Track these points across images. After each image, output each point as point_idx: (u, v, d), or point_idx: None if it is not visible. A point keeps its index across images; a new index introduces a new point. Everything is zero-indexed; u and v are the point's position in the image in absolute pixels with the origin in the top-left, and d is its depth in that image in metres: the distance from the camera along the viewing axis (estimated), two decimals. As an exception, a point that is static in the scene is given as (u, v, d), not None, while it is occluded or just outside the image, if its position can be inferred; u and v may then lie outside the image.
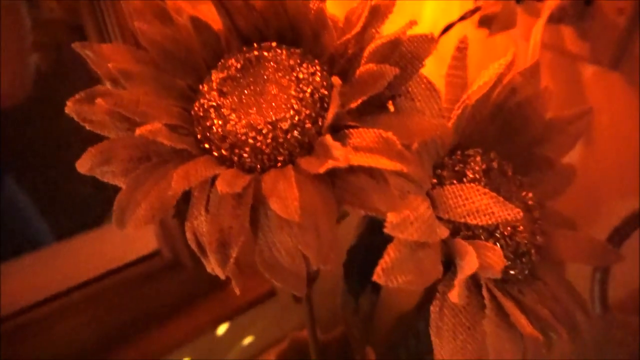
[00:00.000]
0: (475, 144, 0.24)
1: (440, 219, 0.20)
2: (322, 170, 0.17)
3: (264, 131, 0.20)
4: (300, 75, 0.21)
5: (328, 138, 0.18)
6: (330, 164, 0.17)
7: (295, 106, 0.20)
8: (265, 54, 0.22)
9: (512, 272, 0.23)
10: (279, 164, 0.20)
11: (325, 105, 0.20)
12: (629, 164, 0.33)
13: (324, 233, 0.18)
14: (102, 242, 0.47)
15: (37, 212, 0.47)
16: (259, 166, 0.20)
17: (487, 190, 0.20)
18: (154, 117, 0.20)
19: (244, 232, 0.18)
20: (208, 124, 0.21)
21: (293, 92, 0.20)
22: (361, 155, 0.18)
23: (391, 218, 0.17)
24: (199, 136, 0.21)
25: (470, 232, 0.21)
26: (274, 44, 0.22)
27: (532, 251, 0.23)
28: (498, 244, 0.22)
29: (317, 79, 0.21)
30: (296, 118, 0.20)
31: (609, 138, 0.35)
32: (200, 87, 0.22)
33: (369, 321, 0.35)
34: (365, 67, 0.19)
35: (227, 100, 0.21)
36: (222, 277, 0.19)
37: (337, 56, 0.21)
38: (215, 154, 0.21)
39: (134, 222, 0.19)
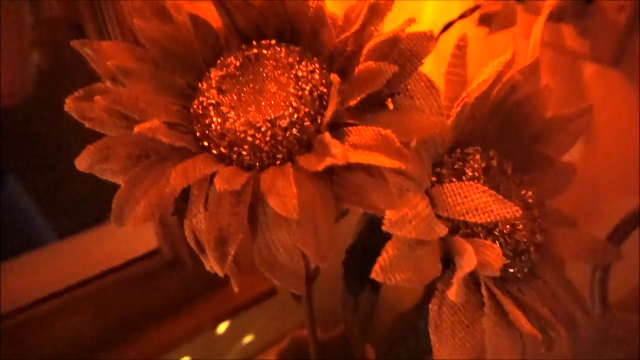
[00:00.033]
0: (474, 142, 0.24)
1: (439, 217, 0.20)
2: (320, 167, 0.17)
3: (263, 129, 0.20)
4: (299, 73, 0.21)
5: (326, 135, 0.18)
6: (328, 161, 0.17)
7: (294, 104, 0.20)
8: (265, 51, 0.22)
9: (511, 270, 0.23)
10: (278, 162, 0.20)
11: (324, 103, 0.20)
12: (630, 162, 0.33)
13: (322, 231, 0.18)
14: (103, 241, 0.47)
15: (38, 210, 0.47)
16: (257, 164, 0.20)
17: (486, 188, 0.20)
18: (153, 115, 0.20)
19: (242, 229, 0.18)
20: (207, 121, 0.21)
21: (292, 90, 0.20)
22: (360, 153, 0.18)
23: (389, 215, 0.17)
24: (197, 134, 0.21)
25: (469, 230, 0.21)
26: (273, 41, 0.22)
27: (532, 249, 0.23)
28: (497, 242, 0.22)
29: (316, 76, 0.21)
30: (295, 116, 0.20)
31: (609, 136, 0.35)
32: (200, 85, 0.22)
33: (369, 320, 0.35)
34: (364, 65, 0.19)
35: (226, 98, 0.21)
36: (221, 274, 0.19)
37: (336, 54, 0.21)
38: (214, 151, 0.21)
39: (133, 219, 0.19)
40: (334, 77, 0.19)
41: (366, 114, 0.20)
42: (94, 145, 0.20)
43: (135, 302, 0.45)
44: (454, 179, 0.22)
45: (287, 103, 0.20)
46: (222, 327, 0.52)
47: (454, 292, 0.17)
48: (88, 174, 0.21)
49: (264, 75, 0.22)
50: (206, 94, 0.21)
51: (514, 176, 0.25)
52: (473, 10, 0.33)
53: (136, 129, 0.18)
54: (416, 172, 0.19)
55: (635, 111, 0.33)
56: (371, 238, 0.24)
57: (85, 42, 0.22)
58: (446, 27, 0.32)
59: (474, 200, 0.20)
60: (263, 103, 0.21)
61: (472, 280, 0.20)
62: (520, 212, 0.19)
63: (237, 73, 0.22)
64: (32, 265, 0.45)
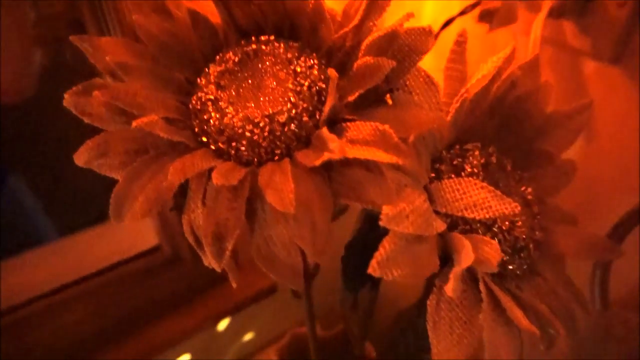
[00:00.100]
0: (474, 139, 0.24)
1: (437, 213, 0.20)
2: (318, 162, 0.17)
3: (261, 124, 0.20)
4: (298, 69, 0.21)
5: (324, 131, 0.18)
6: (325, 156, 0.17)
7: (293, 99, 0.20)
8: (263, 47, 0.22)
9: (510, 267, 0.23)
10: (276, 157, 0.20)
11: (323, 98, 0.20)
12: (630, 159, 0.33)
13: (320, 226, 0.18)
14: (104, 239, 0.47)
15: (39, 208, 0.47)
16: (256, 159, 0.20)
17: (485, 184, 0.20)
18: (151, 110, 0.20)
19: (239, 224, 0.18)
20: (205, 117, 0.21)
21: (290, 86, 0.20)
22: (357, 148, 0.18)
23: (387, 211, 0.17)
24: (196, 129, 0.21)
25: (467, 227, 0.21)
26: (272, 37, 0.22)
27: (531, 246, 0.23)
28: (496, 238, 0.21)
29: (315, 72, 0.21)
30: (293, 111, 0.20)
31: (609, 133, 0.35)
32: (198, 80, 0.22)
33: (369, 317, 0.35)
34: (362, 60, 0.19)
35: (225, 94, 0.21)
36: (218, 270, 0.19)
37: (335, 49, 0.21)
38: (213, 147, 0.21)
39: (131, 215, 0.19)
40: (332, 72, 0.19)
41: (365, 109, 0.20)
42: (93, 141, 0.20)
43: (135, 299, 0.45)
44: (452, 175, 0.22)
45: (286, 98, 0.20)
46: (222, 324, 0.52)
47: (451, 288, 0.17)
48: (89, 173, 0.21)
49: (263, 70, 0.22)
50: (205, 89, 0.21)
51: (513, 173, 0.25)
52: (473, 6, 0.33)
53: (134, 124, 0.18)
54: (414, 167, 0.19)
55: (635, 109, 0.33)
56: (370, 234, 0.24)
57: (84, 38, 0.22)
58: (446, 23, 0.32)
59: (473, 196, 0.20)
60: (261, 99, 0.21)
61: (470, 276, 0.20)
62: (519, 208, 0.19)
63: (236, 69, 0.22)
64: (33, 263, 0.45)
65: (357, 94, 0.19)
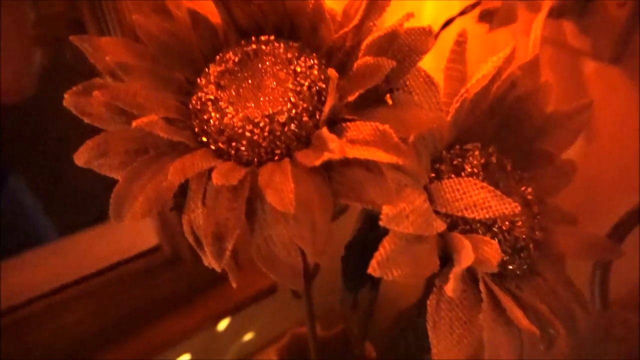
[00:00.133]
0: (474, 139, 0.24)
1: (437, 213, 0.20)
2: (317, 162, 0.17)
3: (261, 124, 0.20)
4: (298, 69, 0.21)
5: (324, 131, 0.18)
6: (325, 156, 0.17)
7: (293, 99, 0.20)
8: (263, 47, 0.22)
9: (510, 267, 0.23)
10: (276, 158, 0.20)
11: (323, 98, 0.20)
12: (630, 159, 0.33)
13: (320, 226, 0.18)
14: (104, 238, 0.47)
15: (39, 208, 0.47)
16: (256, 159, 0.20)
17: (484, 184, 0.20)
18: (151, 110, 0.20)
19: (239, 224, 0.18)
20: (205, 117, 0.21)
21: (290, 86, 0.20)
22: (357, 148, 0.18)
23: (387, 211, 0.17)
24: (196, 129, 0.21)
25: (467, 227, 0.21)
26: (272, 37, 0.22)
27: (531, 246, 0.23)
28: (496, 238, 0.21)
29: (315, 72, 0.21)
30: (293, 111, 0.20)
31: (610, 133, 0.35)
32: (198, 80, 0.22)
33: (369, 317, 0.35)
34: (362, 60, 0.19)
35: (225, 94, 0.21)
36: (218, 269, 0.19)
37: (335, 49, 0.21)
38: (213, 147, 0.21)
39: (131, 215, 0.19)
40: (332, 72, 0.19)
41: (365, 109, 0.20)
42: (93, 141, 0.20)
43: (135, 299, 0.45)
44: (452, 175, 0.22)
45: (286, 98, 0.20)
46: (222, 324, 0.52)
47: (451, 287, 0.17)
48: (89, 173, 0.21)
49: (263, 70, 0.22)
50: (205, 89, 0.21)
51: (513, 173, 0.25)
52: (473, 6, 0.33)
53: (134, 123, 0.18)
54: (414, 167, 0.19)
55: (635, 109, 0.33)
56: (370, 234, 0.24)
57: (84, 38, 0.22)
58: (446, 23, 0.32)
59: (473, 196, 0.20)
60: (261, 99, 0.21)
61: (471, 276, 0.20)
62: (519, 208, 0.19)
63: (236, 69, 0.22)
64: (33, 263, 0.45)
65: (357, 94, 0.19)
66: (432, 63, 0.23)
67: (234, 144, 0.20)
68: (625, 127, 0.34)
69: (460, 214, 0.19)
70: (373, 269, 0.17)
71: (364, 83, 0.19)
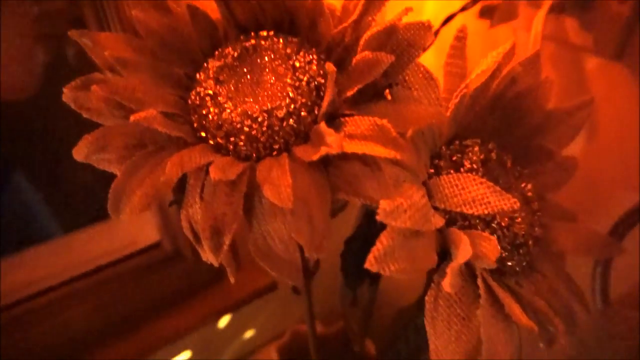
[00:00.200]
0: (474, 135, 0.24)
1: (436, 208, 0.20)
2: (315, 157, 0.17)
3: (260, 119, 0.20)
4: (297, 64, 0.21)
5: (322, 125, 0.18)
6: (323, 150, 0.17)
7: (291, 94, 0.20)
8: (262, 42, 0.22)
9: (509, 263, 0.23)
10: (275, 153, 0.20)
11: (322, 93, 0.20)
12: (632, 157, 0.33)
13: (317, 221, 0.18)
14: (105, 235, 0.47)
15: (41, 205, 0.47)
16: (254, 154, 0.20)
17: (484, 179, 0.20)
18: (150, 105, 0.20)
19: (237, 219, 0.18)
20: (204, 112, 0.21)
21: (289, 81, 0.20)
22: (355, 143, 0.18)
23: (384, 205, 0.17)
24: (195, 124, 0.21)
25: (466, 223, 0.21)
26: (271, 33, 0.22)
27: (530, 243, 0.23)
28: (495, 234, 0.21)
29: (314, 67, 0.21)
30: (292, 106, 0.20)
31: (611, 130, 0.35)
32: (197, 75, 0.22)
33: (368, 314, 0.35)
34: (361, 55, 0.19)
35: (224, 89, 0.21)
36: (216, 264, 0.19)
37: (334, 45, 0.21)
38: (211, 142, 0.21)
39: (130, 209, 0.19)
40: (330, 67, 0.19)
41: (363, 104, 0.20)
42: (91, 135, 0.20)
43: (136, 296, 0.46)
44: (451, 171, 0.22)
45: (284, 93, 0.20)
46: (223, 321, 0.52)
47: (448, 282, 0.17)
48: (89, 170, 0.21)
49: (262, 66, 0.22)
50: (203, 84, 0.21)
51: (513, 169, 0.24)
52: (474, 2, 0.32)
53: (132, 118, 0.18)
54: (412, 162, 0.19)
55: (637, 105, 0.33)
56: (369, 230, 0.24)
57: (83, 33, 0.22)
58: (447, 20, 0.31)
59: (472, 191, 0.19)
60: (260, 93, 0.21)
61: (469, 273, 0.20)
62: (519, 204, 0.19)
63: (235, 64, 0.22)
64: (34, 260, 0.45)
65: (355, 89, 0.19)
66: (433, 60, 0.23)
67: (232, 139, 0.20)
68: (627, 124, 0.34)
69: (458, 209, 0.19)
70: (370, 263, 0.17)
71: (362, 78, 0.19)
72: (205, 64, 0.22)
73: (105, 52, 0.21)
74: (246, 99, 0.21)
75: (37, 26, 0.39)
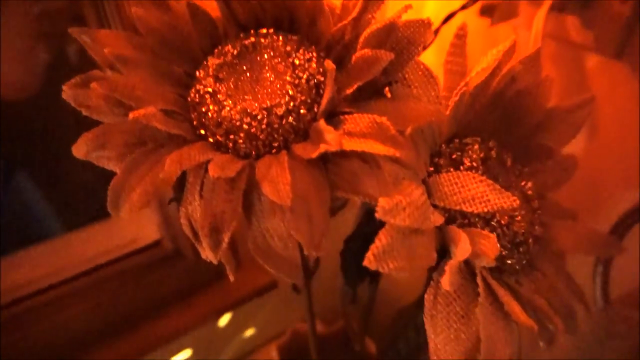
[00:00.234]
0: (474, 133, 0.24)
1: (435, 206, 0.20)
2: (314, 154, 0.17)
3: (259, 117, 0.20)
4: (297, 62, 0.21)
5: (321, 122, 0.18)
6: (322, 147, 0.17)
7: (291, 92, 0.20)
8: (262, 40, 0.22)
9: (509, 261, 0.22)
10: (274, 150, 0.20)
11: (321, 91, 0.20)
12: (633, 156, 0.33)
13: (316, 219, 0.18)
14: (105, 233, 0.47)
15: (43, 204, 0.47)
16: (254, 152, 0.20)
17: (483, 177, 0.20)
18: (150, 103, 0.20)
19: (236, 216, 0.18)
20: (203, 109, 0.21)
21: (288, 78, 0.20)
22: (354, 140, 0.18)
23: (383, 203, 0.17)
24: (194, 122, 0.21)
25: (466, 221, 0.21)
26: (270, 30, 0.22)
27: (530, 241, 0.23)
28: (494, 232, 0.21)
29: (313, 65, 0.21)
30: (291, 104, 0.20)
31: (612, 129, 0.35)
32: (197, 73, 0.22)
33: (368, 312, 0.35)
34: (360, 53, 0.19)
35: (223, 86, 0.21)
36: (215, 262, 0.19)
37: (334, 43, 0.21)
38: (211, 140, 0.21)
39: (128, 206, 0.19)
40: (329, 64, 0.19)
41: (363, 102, 0.20)
42: (91, 133, 0.20)
43: (136, 294, 0.46)
44: (451, 169, 0.21)
45: (284, 91, 0.20)
46: (223, 320, 0.52)
47: (447, 280, 0.17)
48: (90, 169, 0.21)
49: (261, 63, 0.22)
50: (203, 82, 0.21)
51: (513, 167, 0.24)
52: (475, 1, 0.32)
53: (131, 115, 0.18)
54: (412, 160, 0.19)
55: (638, 104, 0.33)
56: (369, 229, 0.24)
57: (83, 30, 0.22)
58: (448, 18, 0.31)
59: (471, 189, 0.19)
60: (260, 91, 0.21)
61: (469, 271, 0.20)
62: (518, 202, 0.19)
63: (235, 61, 0.22)
64: (35, 258, 0.45)
65: (355, 86, 0.19)
66: (433, 58, 0.23)
67: (231, 136, 0.20)
68: (628, 123, 0.34)
69: (458, 207, 0.19)
70: (369, 261, 0.17)
71: (362, 76, 0.19)
72: (205, 62, 0.22)
73: (104, 49, 0.21)
74: (246, 97, 0.21)
75: (38, 25, 0.39)
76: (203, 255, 0.20)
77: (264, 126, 0.20)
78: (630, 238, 0.29)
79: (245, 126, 0.20)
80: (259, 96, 0.21)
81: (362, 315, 0.36)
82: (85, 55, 0.22)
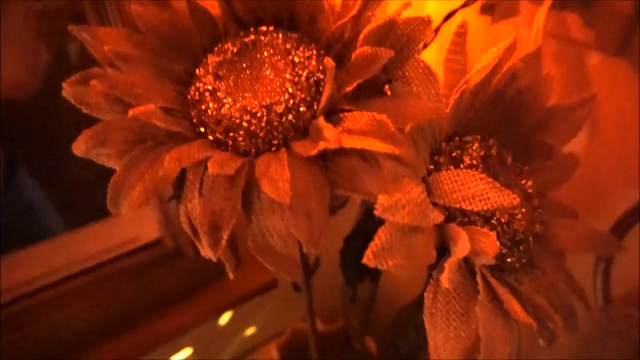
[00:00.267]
0: (474, 131, 0.24)
1: (435, 204, 0.20)
2: (314, 152, 0.17)
3: (259, 114, 0.20)
4: (296, 59, 0.21)
5: (320, 120, 0.18)
6: (321, 145, 0.17)
7: (290, 90, 0.20)
8: (262, 38, 0.22)
9: (509, 260, 0.22)
10: (274, 148, 0.20)
11: (321, 89, 0.20)
12: (633, 154, 0.33)
13: (316, 216, 0.18)
14: (106, 232, 0.47)
15: (44, 202, 0.47)
16: (253, 150, 0.20)
17: (483, 175, 0.20)
18: (149, 100, 0.20)
19: (235, 214, 0.18)
20: (203, 107, 0.21)
21: (288, 76, 0.20)
22: (354, 138, 0.18)
23: (382, 200, 0.17)
24: (194, 120, 0.21)
25: (466, 219, 0.21)
26: (270, 28, 0.22)
27: (530, 239, 0.23)
28: (494, 231, 0.21)
29: (313, 63, 0.21)
30: (291, 102, 0.20)
31: (613, 128, 0.35)
32: (197, 71, 0.22)
33: (368, 311, 0.35)
34: (360, 50, 0.19)
35: (223, 84, 0.21)
36: (214, 259, 0.19)
37: (334, 40, 0.21)
38: (210, 137, 0.21)
39: (128, 204, 0.19)
40: (328, 62, 0.19)
41: (363, 100, 0.20)
42: (91, 130, 0.20)
43: (137, 292, 0.46)
44: (451, 167, 0.21)
45: (283, 89, 0.20)
46: (224, 318, 0.52)
47: (446, 278, 0.17)
48: (91, 168, 0.21)
49: (261, 61, 0.22)
50: (203, 79, 0.21)
51: (513, 166, 0.24)
52: (475, -1, 0.32)
53: (130, 112, 0.18)
54: (411, 158, 0.19)
55: (638, 103, 0.32)
56: (369, 227, 0.24)
57: (83, 28, 0.22)
58: (448, 16, 0.31)
59: (471, 187, 0.19)
60: (259, 89, 0.21)
61: (468, 269, 0.20)
62: (518, 200, 0.19)
63: (234, 59, 0.22)
64: (35, 257, 0.45)
65: (354, 84, 0.19)
66: (433, 56, 0.23)
67: (231, 134, 0.20)
68: (628, 122, 0.33)
69: (458, 205, 0.19)
70: (368, 258, 0.17)
71: (361, 73, 0.19)
72: (204, 60, 0.22)
73: (104, 47, 0.21)
74: (245, 95, 0.21)
75: (39, 24, 0.39)
76: (202, 253, 0.20)
77: (263, 124, 0.20)
78: (631, 237, 0.29)
79: (244, 124, 0.20)
80: (259, 94, 0.20)
81: (362, 314, 0.35)
82: (86, 55, 0.22)
